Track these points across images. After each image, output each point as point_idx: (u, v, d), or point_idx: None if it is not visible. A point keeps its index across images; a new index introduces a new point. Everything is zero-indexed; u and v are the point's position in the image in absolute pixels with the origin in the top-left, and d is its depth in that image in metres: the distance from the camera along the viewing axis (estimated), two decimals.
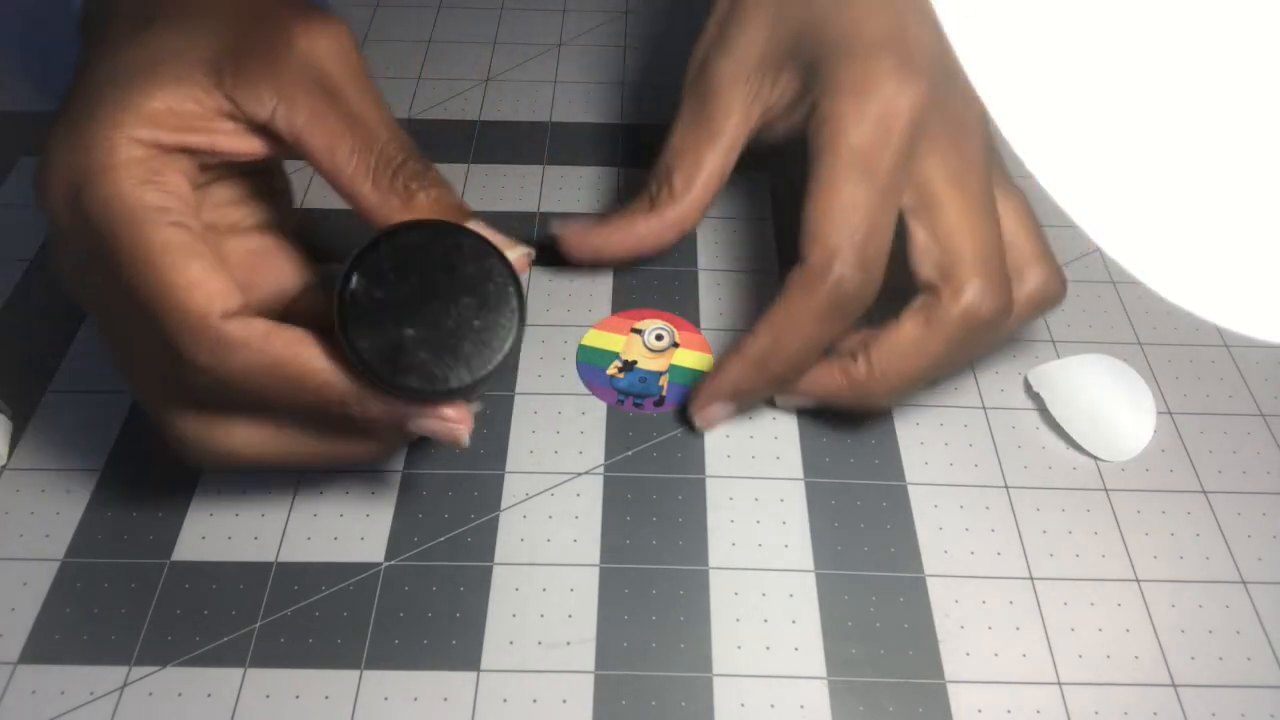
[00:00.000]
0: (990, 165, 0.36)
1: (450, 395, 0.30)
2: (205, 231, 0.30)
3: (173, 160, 0.30)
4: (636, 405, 0.39)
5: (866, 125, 0.34)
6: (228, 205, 0.34)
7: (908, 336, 0.34)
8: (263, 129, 0.31)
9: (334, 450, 0.32)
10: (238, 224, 0.34)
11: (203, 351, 0.28)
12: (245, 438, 0.31)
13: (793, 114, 0.37)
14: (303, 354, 0.29)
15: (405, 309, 0.29)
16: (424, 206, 0.31)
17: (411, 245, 0.30)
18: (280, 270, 0.34)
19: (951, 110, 0.35)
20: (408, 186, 0.31)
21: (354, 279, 0.29)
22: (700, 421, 0.38)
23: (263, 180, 0.35)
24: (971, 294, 0.34)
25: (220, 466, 0.32)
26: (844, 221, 0.34)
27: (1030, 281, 0.36)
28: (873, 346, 0.35)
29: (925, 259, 0.35)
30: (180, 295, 0.28)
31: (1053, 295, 0.36)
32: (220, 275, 0.29)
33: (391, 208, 0.31)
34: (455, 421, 0.30)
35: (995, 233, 0.35)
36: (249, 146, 0.31)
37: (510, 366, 0.33)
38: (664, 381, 0.40)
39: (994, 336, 0.35)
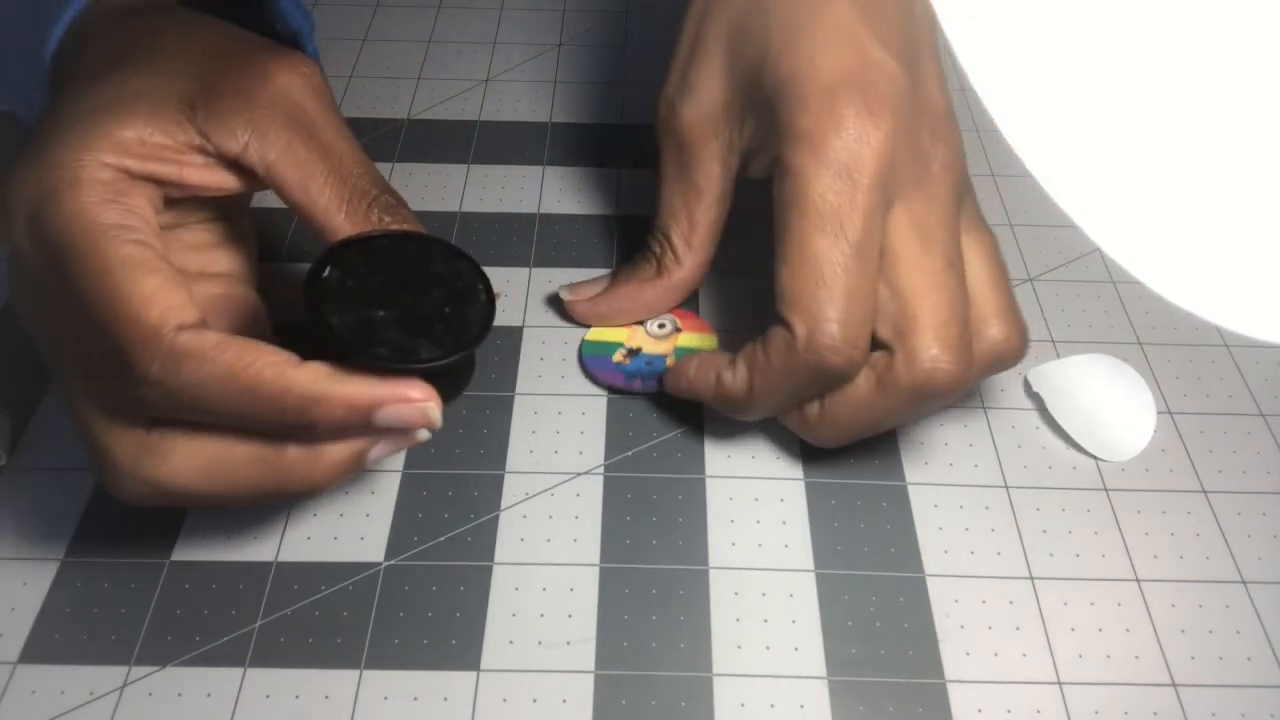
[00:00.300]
0: (959, 212, 0.35)
1: (420, 369, 0.29)
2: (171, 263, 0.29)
3: (139, 186, 0.30)
4: (645, 383, 0.39)
5: (829, 179, 0.32)
6: (196, 250, 0.34)
7: (859, 392, 0.34)
8: (234, 163, 0.31)
9: (271, 486, 0.30)
10: (204, 269, 0.34)
11: (154, 364, 0.28)
12: (179, 468, 0.29)
13: (763, 156, 0.36)
14: (256, 362, 0.28)
15: (376, 295, 0.30)
16: None
17: (383, 247, 0.31)
18: (241, 318, 0.33)
19: (919, 149, 0.34)
20: (381, 219, 0.32)
21: (327, 269, 0.30)
22: (669, 389, 0.39)
23: (231, 227, 0.35)
24: (926, 362, 0.33)
25: (148, 503, 0.30)
26: (821, 283, 0.32)
27: (989, 338, 0.34)
28: (827, 391, 0.34)
29: (882, 316, 0.33)
30: (135, 309, 0.27)
31: (1012, 353, 0.35)
32: (177, 290, 0.28)
33: None
34: (422, 400, 0.29)
35: (958, 293, 0.33)
36: (219, 180, 0.32)
37: (475, 362, 0.33)
38: (670, 361, 0.40)
39: (950, 399, 0.34)
